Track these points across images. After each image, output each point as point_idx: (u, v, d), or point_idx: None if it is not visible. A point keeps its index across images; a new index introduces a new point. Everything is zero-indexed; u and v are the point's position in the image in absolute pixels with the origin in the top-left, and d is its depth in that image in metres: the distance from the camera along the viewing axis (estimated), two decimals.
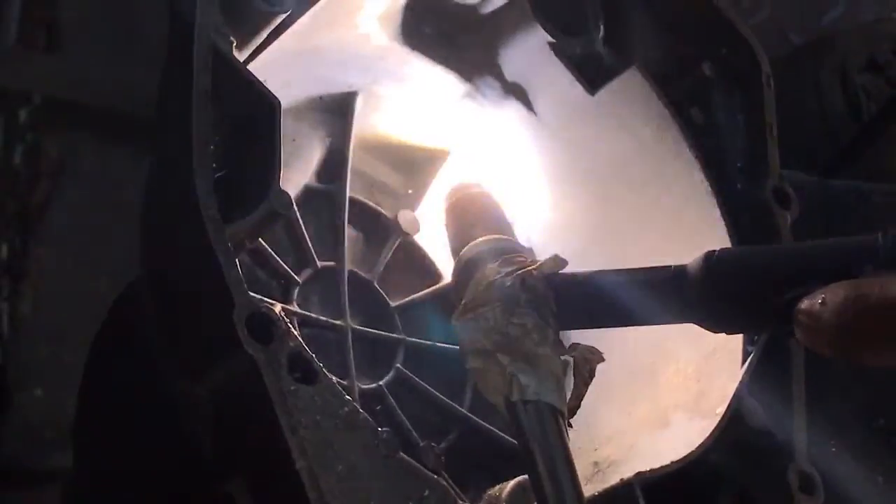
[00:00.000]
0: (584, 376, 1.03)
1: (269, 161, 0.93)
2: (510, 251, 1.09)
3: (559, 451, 0.95)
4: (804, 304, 0.84)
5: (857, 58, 1.86)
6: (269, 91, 0.95)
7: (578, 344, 1.05)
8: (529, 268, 1.04)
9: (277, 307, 0.90)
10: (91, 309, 1.30)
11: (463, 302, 1.05)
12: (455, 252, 1.14)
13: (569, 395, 1.01)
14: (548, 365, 1.00)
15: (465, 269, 1.10)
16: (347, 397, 0.89)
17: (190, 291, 0.93)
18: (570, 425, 1.02)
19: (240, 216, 0.92)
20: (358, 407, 0.90)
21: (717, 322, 0.96)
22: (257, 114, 0.94)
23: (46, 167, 1.81)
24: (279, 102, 0.95)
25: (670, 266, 0.97)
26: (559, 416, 0.98)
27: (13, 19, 1.83)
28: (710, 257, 0.94)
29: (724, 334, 1.00)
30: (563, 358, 1.01)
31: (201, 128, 0.89)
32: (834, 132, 1.81)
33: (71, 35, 1.87)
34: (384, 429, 0.90)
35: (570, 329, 1.10)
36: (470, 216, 1.17)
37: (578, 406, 1.04)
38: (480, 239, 1.11)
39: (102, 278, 1.65)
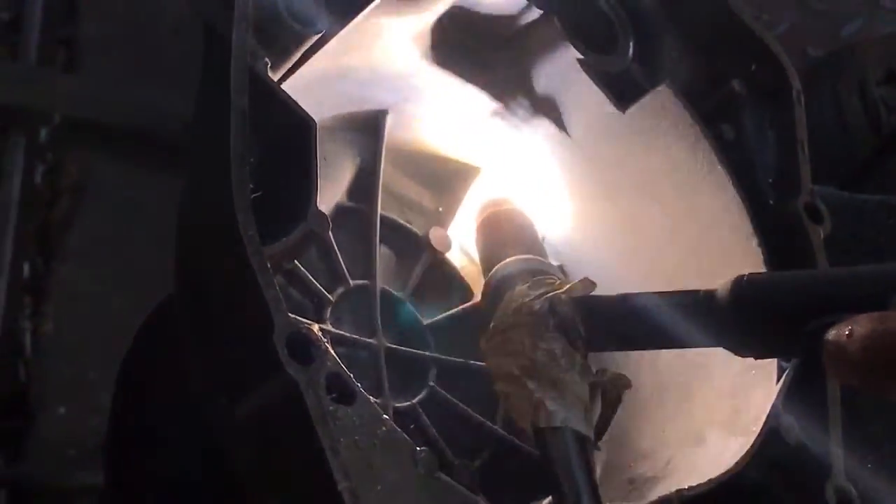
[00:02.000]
0: (611, 402, 1.03)
1: (305, 181, 0.93)
2: (540, 272, 1.08)
3: (584, 478, 0.95)
4: (831, 334, 0.82)
5: (876, 70, 1.86)
6: (305, 111, 0.95)
7: (606, 369, 1.04)
8: (558, 291, 1.03)
9: (315, 327, 0.89)
10: (112, 327, 1.30)
11: (492, 325, 1.05)
12: (485, 270, 1.14)
13: (595, 420, 1.01)
14: (575, 391, 0.99)
15: (494, 289, 1.09)
16: (385, 416, 0.89)
17: (228, 312, 0.93)
18: (599, 448, 1.01)
19: (277, 237, 0.92)
20: (395, 426, 0.89)
21: (744, 347, 0.95)
22: (293, 134, 0.94)
23: (67, 185, 1.81)
24: (315, 123, 0.95)
25: (699, 290, 0.96)
26: (586, 442, 0.98)
27: (34, 39, 1.83)
28: (738, 282, 0.93)
29: None
30: (590, 383, 1.01)
31: (239, 148, 0.89)
32: (853, 145, 1.81)
33: (91, 54, 1.88)
34: (422, 448, 0.90)
35: (599, 351, 1.10)
36: (501, 234, 1.16)
37: (605, 431, 1.03)
38: (511, 259, 1.11)
39: (124, 296, 1.65)
